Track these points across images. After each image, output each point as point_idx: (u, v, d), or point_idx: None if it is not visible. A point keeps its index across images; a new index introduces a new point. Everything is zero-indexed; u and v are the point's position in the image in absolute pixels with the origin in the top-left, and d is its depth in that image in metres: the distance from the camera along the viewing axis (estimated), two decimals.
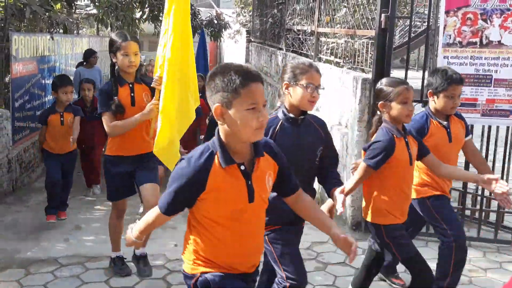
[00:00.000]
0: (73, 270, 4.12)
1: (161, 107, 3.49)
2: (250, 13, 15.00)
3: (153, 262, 4.23)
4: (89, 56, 8.47)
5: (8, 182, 6.24)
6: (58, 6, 7.17)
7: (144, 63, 19.41)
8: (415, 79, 5.09)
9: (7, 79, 6.72)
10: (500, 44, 4.36)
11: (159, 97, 3.58)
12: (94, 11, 11.66)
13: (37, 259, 4.32)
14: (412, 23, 5.29)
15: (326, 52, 6.93)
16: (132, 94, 3.74)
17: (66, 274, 4.06)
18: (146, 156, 3.81)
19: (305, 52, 8.03)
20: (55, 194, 5.25)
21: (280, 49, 9.71)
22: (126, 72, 3.75)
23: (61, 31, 8.40)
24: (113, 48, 3.70)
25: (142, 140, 3.82)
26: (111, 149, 3.85)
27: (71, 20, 9.16)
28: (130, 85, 3.76)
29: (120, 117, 3.71)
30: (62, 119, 5.25)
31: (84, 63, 8.48)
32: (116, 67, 3.75)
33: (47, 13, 7.25)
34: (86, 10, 12.83)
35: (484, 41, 4.38)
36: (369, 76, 5.03)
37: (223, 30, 13.13)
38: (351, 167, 3.44)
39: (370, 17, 5.47)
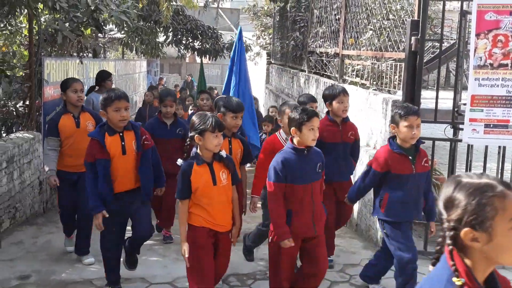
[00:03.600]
0: None
1: None
2: (270, 36, 15.16)
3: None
4: (101, 79, 6.55)
5: (39, 204, 6.35)
6: (88, 31, 7.35)
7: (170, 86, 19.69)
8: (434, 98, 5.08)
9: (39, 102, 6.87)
10: None
11: None
12: (118, 35, 11.92)
13: (72, 280, 4.38)
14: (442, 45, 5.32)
15: (351, 74, 6.98)
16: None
17: None
18: None
19: (328, 73, 8.10)
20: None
21: (303, 70, 9.79)
22: None
23: (90, 55, 8.58)
24: None
25: None
26: None
27: (100, 44, 9.37)
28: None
29: None
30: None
31: (96, 88, 6.54)
32: None
33: (76, 38, 7.43)
34: (110, 34, 13.09)
35: None
36: (399, 97, 5.06)
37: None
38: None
39: (398, 40, 5.52)
